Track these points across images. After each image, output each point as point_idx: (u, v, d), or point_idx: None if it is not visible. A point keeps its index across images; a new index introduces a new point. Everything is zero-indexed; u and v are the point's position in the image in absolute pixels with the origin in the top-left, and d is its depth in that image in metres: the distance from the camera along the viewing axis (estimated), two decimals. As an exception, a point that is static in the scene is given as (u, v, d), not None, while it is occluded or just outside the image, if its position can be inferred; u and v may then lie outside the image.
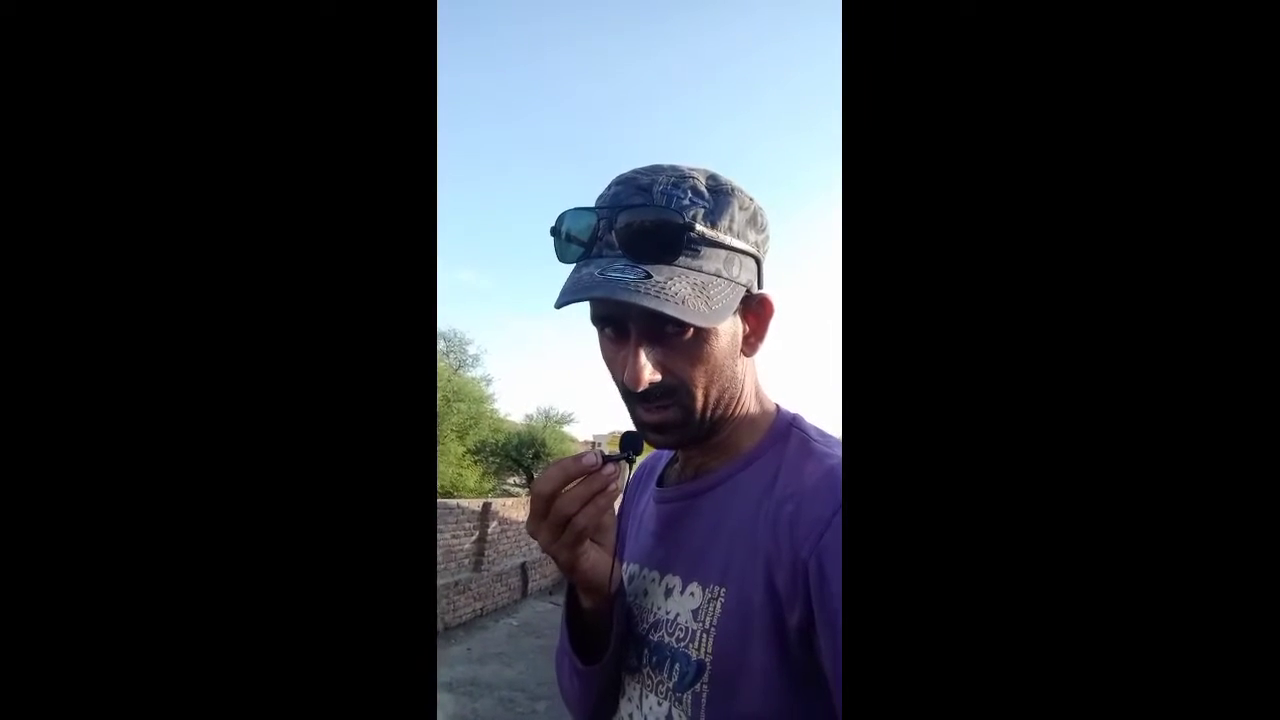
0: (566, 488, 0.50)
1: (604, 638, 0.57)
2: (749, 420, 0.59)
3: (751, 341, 0.57)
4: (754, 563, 0.51)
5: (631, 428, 0.56)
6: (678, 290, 0.47)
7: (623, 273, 0.48)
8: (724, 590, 0.52)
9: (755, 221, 0.54)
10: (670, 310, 0.46)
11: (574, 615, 0.60)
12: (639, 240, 0.49)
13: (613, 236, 0.50)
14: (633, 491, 0.73)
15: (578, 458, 0.51)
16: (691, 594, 0.54)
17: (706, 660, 0.51)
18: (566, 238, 0.52)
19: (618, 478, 0.52)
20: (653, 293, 0.47)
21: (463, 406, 12.97)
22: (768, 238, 0.57)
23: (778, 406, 0.63)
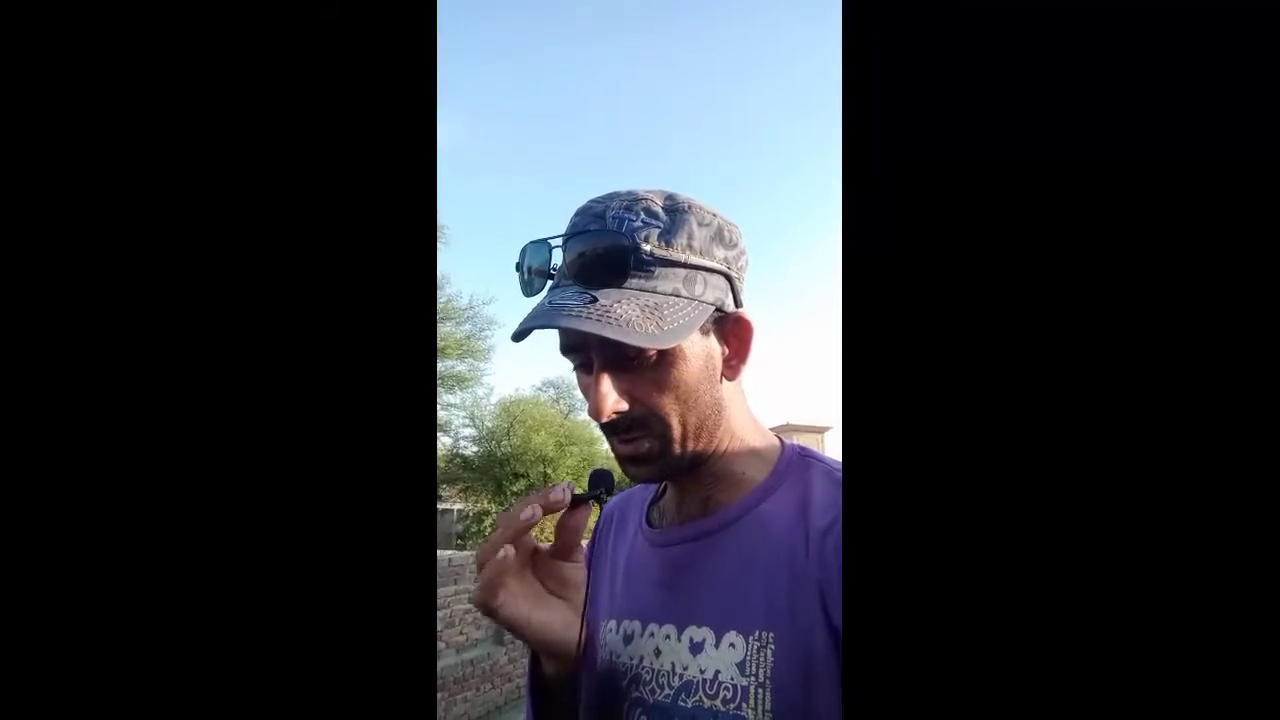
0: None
1: (571, 709, 0.52)
2: (750, 449, 0.56)
3: (733, 364, 0.54)
4: (805, 600, 0.47)
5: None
6: (623, 313, 0.46)
7: (568, 299, 0.47)
8: (773, 635, 0.47)
9: (722, 237, 0.52)
10: (610, 333, 0.44)
11: (537, 684, 0.54)
12: (588, 266, 0.48)
13: (565, 266, 0.50)
14: (602, 540, 0.66)
15: (545, 491, 0.47)
16: (731, 645, 0.48)
17: (767, 719, 0.45)
18: (528, 272, 0.52)
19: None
20: (595, 316, 0.45)
21: (575, 450, 13.32)
22: (741, 253, 0.54)
23: (780, 438, 0.59)
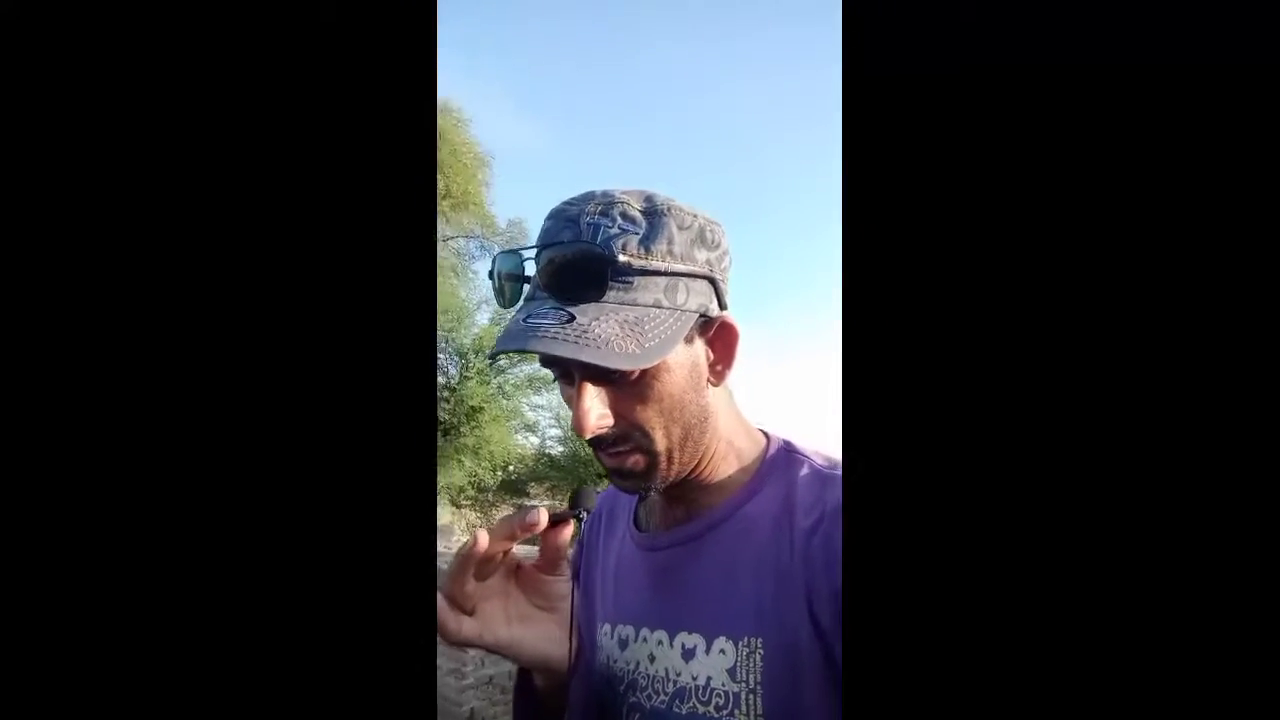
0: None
1: (557, 716, 0.52)
2: (736, 451, 0.54)
3: (719, 370, 0.52)
4: (791, 602, 0.46)
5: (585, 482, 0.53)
6: (601, 331, 0.44)
7: (543, 318, 0.45)
8: (761, 640, 0.47)
9: (704, 239, 0.49)
10: (587, 356, 0.43)
11: (524, 696, 0.54)
12: (562, 280, 0.46)
13: (539, 276, 0.48)
14: (593, 539, 0.66)
15: (522, 514, 0.46)
16: (722, 651, 0.48)
17: None
18: (499, 279, 0.50)
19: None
20: (571, 338, 0.43)
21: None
22: (725, 253, 0.51)
23: (765, 433, 0.57)
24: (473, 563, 0.46)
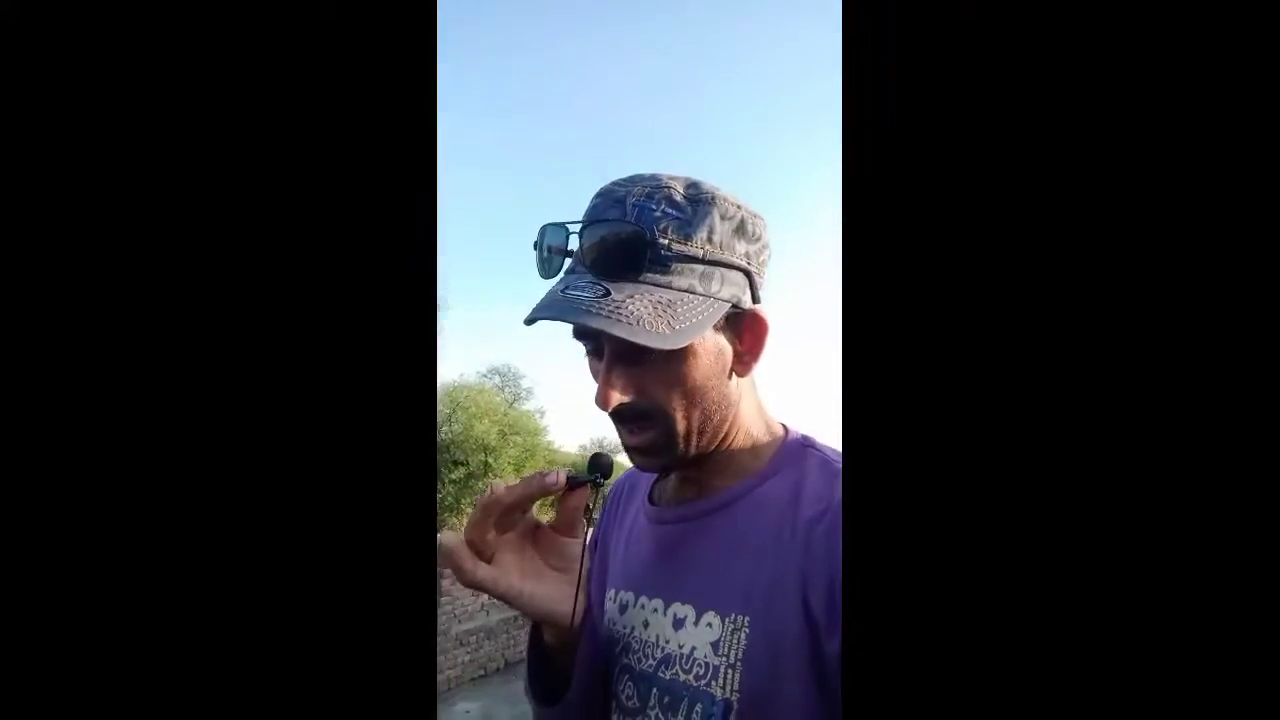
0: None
1: (567, 674, 0.53)
2: (753, 439, 0.56)
3: (745, 360, 0.54)
4: (784, 588, 0.47)
5: (603, 450, 0.54)
6: (634, 310, 0.45)
7: (581, 291, 0.47)
8: (747, 619, 0.48)
9: (744, 231, 0.51)
10: (619, 332, 0.44)
11: (536, 650, 0.56)
12: (603, 256, 0.48)
13: (581, 252, 0.49)
14: (613, 512, 0.68)
15: (541, 475, 0.48)
16: (709, 625, 0.50)
17: (733, 699, 0.47)
18: (547, 251, 0.51)
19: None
20: (605, 313, 0.45)
21: (519, 440, 13.17)
22: (764, 247, 0.53)
23: (785, 426, 0.59)
24: (495, 513, 0.48)
